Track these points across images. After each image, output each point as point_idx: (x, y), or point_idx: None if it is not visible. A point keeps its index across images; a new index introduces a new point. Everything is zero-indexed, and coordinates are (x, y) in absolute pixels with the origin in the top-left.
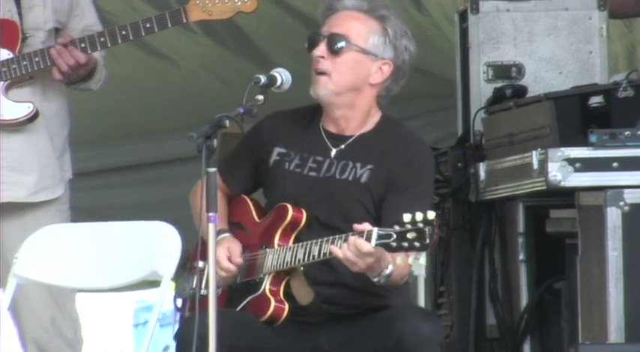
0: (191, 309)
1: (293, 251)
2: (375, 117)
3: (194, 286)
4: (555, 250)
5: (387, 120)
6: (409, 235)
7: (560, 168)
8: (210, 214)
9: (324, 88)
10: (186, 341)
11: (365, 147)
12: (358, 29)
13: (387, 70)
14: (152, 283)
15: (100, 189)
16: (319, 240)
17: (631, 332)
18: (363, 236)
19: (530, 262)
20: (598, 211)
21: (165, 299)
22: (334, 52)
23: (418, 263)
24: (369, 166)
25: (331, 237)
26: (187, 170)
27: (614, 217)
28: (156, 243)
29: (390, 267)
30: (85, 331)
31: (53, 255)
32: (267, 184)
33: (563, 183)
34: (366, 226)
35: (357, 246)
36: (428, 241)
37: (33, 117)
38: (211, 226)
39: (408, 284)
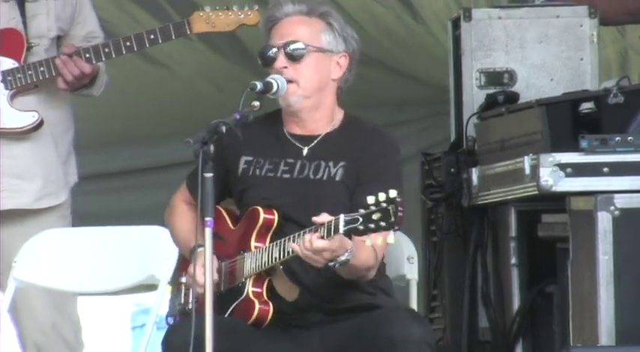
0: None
1: (269, 251)
2: (339, 115)
3: (182, 302)
4: (547, 254)
5: (351, 118)
6: (374, 216)
7: (551, 173)
8: (207, 219)
9: (294, 96)
10: (171, 348)
11: (334, 145)
12: (308, 31)
13: (344, 61)
14: (149, 287)
15: (97, 194)
16: (292, 235)
17: (621, 335)
18: (330, 228)
19: (522, 266)
20: (589, 216)
21: (162, 303)
22: (295, 59)
23: (388, 241)
24: (342, 163)
25: (301, 232)
26: (183, 175)
27: (604, 222)
28: (153, 248)
29: (347, 255)
30: (84, 334)
31: (52, 259)
32: (238, 193)
33: (554, 188)
34: (325, 217)
35: (309, 245)
36: (393, 219)
37: (38, 126)
38: (207, 230)
39: (391, 283)
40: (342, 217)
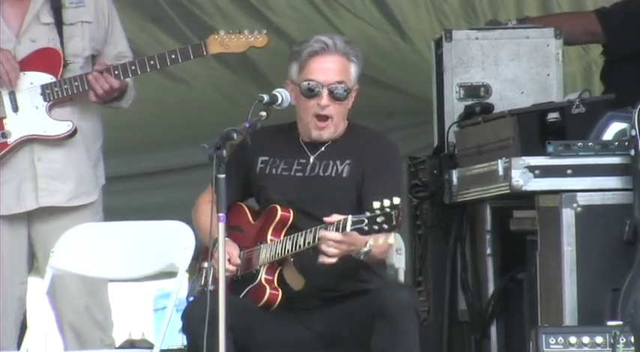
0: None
1: (282, 243)
2: (344, 124)
3: (202, 284)
4: (518, 245)
5: (355, 125)
6: (378, 219)
7: (521, 174)
8: (220, 214)
9: (327, 132)
10: (190, 320)
11: (341, 147)
12: (347, 72)
13: (355, 93)
14: (170, 274)
15: (123, 193)
16: (304, 231)
17: (583, 316)
18: (338, 227)
19: (496, 256)
20: (555, 212)
21: (180, 288)
22: (337, 100)
23: (389, 242)
24: (348, 161)
25: (313, 228)
26: (200, 176)
27: (568, 217)
28: (173, 240)
29: (368, 246)
30: (114, 315)
31: (84, 250)
32: (257, 190)
33: (524, 188)
34: (334, 217)
35: (327, 237)
36: (394, 223)
37: (72, 134)
38: (221, 225)
39: (386, 271)
40: (349, 218)
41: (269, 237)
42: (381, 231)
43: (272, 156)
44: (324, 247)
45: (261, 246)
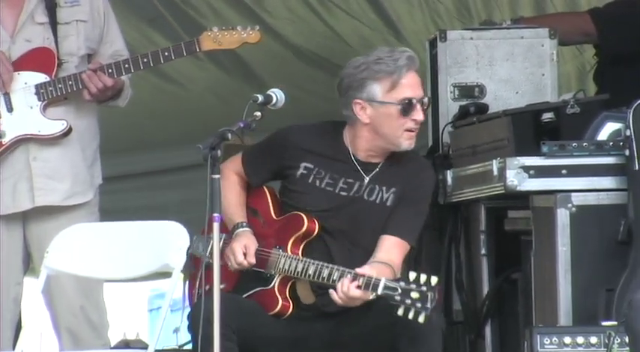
0: (193, 275)
1: (305, 264)
2: None
3: (205, 251)
4: (512, 246)
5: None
6: (413, 295)
7: (516, 174)
8: (215, 215)
9: (414, 142)
10: (196, 321)
11: (389, 172)
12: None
13: None
14: (164, 274)
15: (118, 193)
16: (331, 265)
17: (578, 316)
18: (368, 284)
19: (491, 256)
20: (549, 212)
21: (175, 288)
22: (425, 112)
23: (418, 322)
24: (393, 190)
25: (341, 269)
26: (194, 176)
27: (563, 217)
28: (168, 240)
29: (373, 295)
30: (109, 315)
31: (80, 250)
32: (291, 192)
33: (519, 188)
34: (366, 270)
35: (346, 290)
36: (429, 305)
37: (67, 133)
38: (215, 225)
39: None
40: (382, 281)
41: (289, 246)
42: (411, 308)
43: (317, 166)
44: (335, 296)
45: (281, 253)
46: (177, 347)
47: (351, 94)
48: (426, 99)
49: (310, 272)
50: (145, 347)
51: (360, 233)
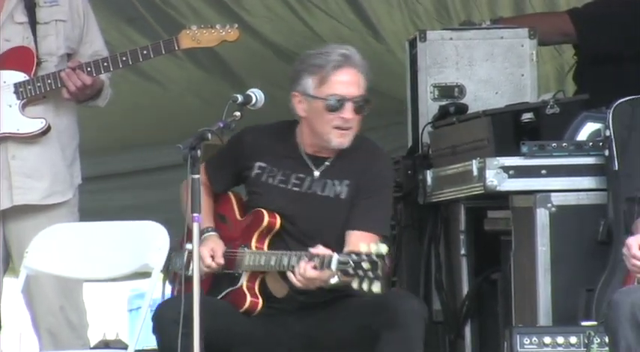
0: (179, 290)
1: (267, 257)
2: None
3: (184, 263)
4: (492, 246)
5: (358, 136)
6: (364, 265)
7: (496, 174)
8: (194, 215)
9: (348, 139)
10: (160, 322)
11: (341, 165)
12: (363, 84)
13: None
14: (144, 274)
15: (98, 193)
16: (289, 253)
17: (557, 316)
18: (322, 262)
19: (470, 256)
20: (529, 212)
21: (155, 288)
22: (360, 112)
23: (372, 291)
24: (347, 182)
25: (297, 253)
26: (174, 176)
27: (542, 217)
28: (147, 240)
29: (335, 278)
30: (88, 315)
31: (59, 250)
32: (249, 192)
33: (498, 188)
34: (320, 249)
35: (303, 272)
36: (380, 273)
37: (45, 131)
38: (195, 225)
39: None
40: (335, 256)
41: (254, 242)
42: (365, 278)
43: (270, 165)
44: (294, 279)
45: (246, 251)
46: (157, 348)
47: (291, 87)
48: (360, 99)
49: (272, 263)
50: (125, 347)
51: (317, 228)
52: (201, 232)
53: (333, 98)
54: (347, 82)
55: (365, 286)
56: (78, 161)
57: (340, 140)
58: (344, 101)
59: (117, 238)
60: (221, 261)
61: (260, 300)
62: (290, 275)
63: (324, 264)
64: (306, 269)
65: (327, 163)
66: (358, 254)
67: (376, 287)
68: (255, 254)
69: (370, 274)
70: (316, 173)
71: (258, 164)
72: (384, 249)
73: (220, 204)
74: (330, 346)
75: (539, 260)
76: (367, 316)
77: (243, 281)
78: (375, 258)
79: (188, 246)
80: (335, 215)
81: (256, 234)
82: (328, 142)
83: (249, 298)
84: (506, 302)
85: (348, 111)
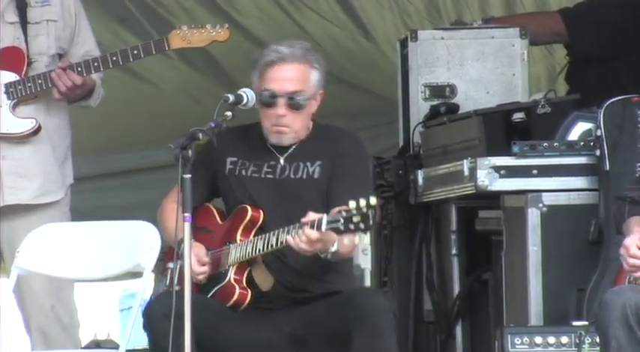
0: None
1: (253, 243)
2: (308, 126)
3: (167, 284)
4: (483, 245)
5: (320, 125)
6: (354, 219)
7: (487, 174)
8: (186, 215)
9: (287, 139)
10: (151, 318)
11: (309, 148)
12: (305, 80)
13: (320, 97)
14: (136, 274)
15: (90, 193)
16: (276, 230)
17: (548, 316)
18: (313, 225)
19: (462, 256)
20: (520, 212)
21: (146, 288)
22: (295, 109)
23: (363, 241)
24: (318, 162)
25: (286, 228)
26: (166, 176)
27: (534, 217)
28: (139, 240)
29: (335, 245)
30: (79, 315)
31: (51, 250)
32: (226, 191)
33: (490, 188)
34: (311, 216)
35: (307, 236)
36: (371, 222)
37: (36, 131)
38: (187, 225)
39: (353, 273)
40: (324, 217)
41: (238, 237)
42: (357, 230)
43: (241, 158)
44: (295, 244)
45: (231, 245)
46: (148, 348)
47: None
48: (296, 99)
49: (260, 246)
50: (116, 347)
51: (295, 211)
52: (178, 245)
53: (265, 94)
54: (279, 78)
55: (357, 239)
56: (70, 161)
57: (276, 136)
58: (276, 97)
59: (108, 238)
60: (206, 259)
61: (249, 292)
62: (290, 239)
63: (314, 227)
64: (308, 233)
65: (290, 151)
66: (347, 210)
67: (356, 239)
68: (241, 245)
69: (361, 226)
70: (281, 160)
71: (229, 160)
72: (373, 200)
73: (199, 219)
74: (315, 344)
75: (531, 260)
76: (338, 313)
77: (231, 275)
78: (365, 209)
79: (169, 265)
80: (311, 195)
81: (240, 228)
82: (269, 139)
83: (237, 290)
84: (497, 302)
85: (280, 108)
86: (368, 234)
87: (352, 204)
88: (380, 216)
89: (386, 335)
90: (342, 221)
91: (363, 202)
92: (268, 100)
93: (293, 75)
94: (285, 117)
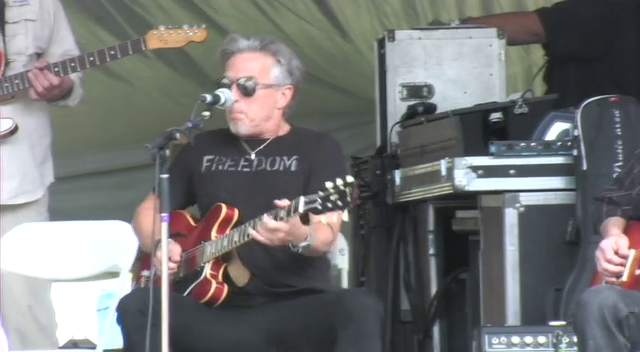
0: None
1: (229, 236)
2: (285, 127)
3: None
4: (460, 245)
5: (297, 127)
6: (332, 197)
7: (464, 174)
8: (163, 214)
9: (242, 126)
10: (125, 312)
11: (284, 145)
12: (260, 68)
13: (289, 93)
14: (113, 274)
15: (66, 193)
16: (252, 220)
17: (525, 316)
18: (289, 209)
19: (439, 256)
20: (497, 212)
21: (123, 288)
22: (246, 94)
23: (343, 220)
24: (295, 157)
25: (261, 216)
26: (143, 176)
27: (511, 217)
28: (116, 240)
29: (309, 239)
30: (57, 316)
31: (28, 250)
32: (202, 190)
33: (467, 188)
34: (285, 201)
35: (264, 225)
36: (349, 199)
37: (13, 131)
38: (164, 225)
39: (330, 271)
40: (301, 198)
41: (213, 234)
42: (335, 208)
43: (217, 155)
44: (257, 234)
45: (205, 243)
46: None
47: None
48: (243, 80)
49: (236, 238)
50: (93, 347)
51: (273, 204)
52: (154, 246)
53: (222, 82)
54: (235, 66)
55: (335, 218)
56: (50, 160)
57: (233, 124)
58: (229, 84)
59: (85, 238)
60: (178, 257)
61: (225, 287)
62: (252, 232)
63: (291, 210)
64: (266, 222)
65: (264, 145)
66: (324, 189)
67: (345, 216)
68: (216, 241)
69: (339, 203)
70: (253, 154)
71: (205, 158)
72: (350, 178)
73: (173, 226)
74: (293, 342)
75: (508, 260)
76: (324, 313)
77: (207, 271)
78: (342, 187)
79: (145, 273)
80: (288, 187)
81: (215, 226)
82: (230, 128)
83: (214, 284)
84: (474, 302)
85: (233, 94)
86: (343, 238)
87: (329, 184)
88: (358, 193)
89: (372, 338)
90: (319, 200)
91: (339, 181)
92: (222, 87)
93: (246, 63)
94: (238, 103)
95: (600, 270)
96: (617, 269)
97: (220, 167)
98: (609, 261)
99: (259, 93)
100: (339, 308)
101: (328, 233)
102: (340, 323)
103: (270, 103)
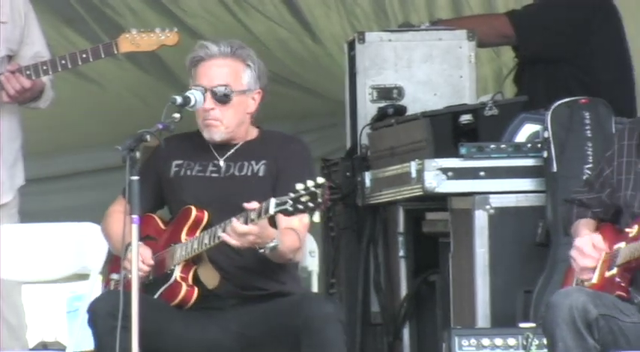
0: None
1: (199, 238)
2: (254, 131)
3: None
4: (430, 247)
5: (266, 131)
6: (303, 199)
7: (434, 176)
8: (134, 216)
9: (217, 133)
10: (95, 314)
11: (253, 149)
12: (233, 75)
13: (258, 97)
14: (83, 276)
15: (37, 195)
16: (223, 222)
17: (495, 318)
18: (260, 211)
19: (409, 258)
20: (467, 214)
21: (93, 290)
22: (222, 101)
23: (314, 221)
24: (263, 161)
25: (233, 218)
26: (113, 178)
27: (481, 219)
28: (86, 242)
29: (275, 241)
30: (27, 317)
31: None
32: (171, 194)
33: (437, 190)
34: (255, 203)
35: (233, 229)
36: (320, 200)
37: None
38: (134, 227)
39: (298, 273)
40: (272, 200)
41: (183, 237)
42: (306, 210)
43: (186, 160)
44: (227, 238)
45: (175, 245)
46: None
47: None
48: (220, 92)
49: (206, 241)
50: (63, 349)
51: (241, 209)
52: (125, 250)
53: (195, 89)
54: (208, 74)
55: (306, 220)
56: (21, 162)
57: (207, 130)
58: (204, 91)
59: (55, 240)
60: (151, 261)
61: (195, 289)
62: (223, 234)
63: (261, 212)
64: (235, 226)
65: (232, 151)
66: (295, 191)
67: (317, 217)
68: (186, 244)
69: (310, 205)
70: (221, 161)
71: (174, 163)
72: (321, 179)
73: (143, 228)
74: (263, 345)
75: (478, 262)
76: (288, 318)
77: (177, 274)
78: (313, 188)
79: (114, 276)
80: (256, 191)
81: (185, 228)
82: (203, 135)
83: (184, 287)
84: (444, 304)
85: (207, 102)
86: (312, 238)
87: (300, 185)
88: (328, 195)
89: (335, 347)
90: (290, 202)
91: (310, 183)
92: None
93: (219, 70)
94: (213, 111)
95: (577, 269)
96: (595, 264)
97: (189, 172)
98: (589, 256)
99: (234, 100)
100: (299, 317)
101: (294, 238)
102: (301, 332)
103: (243, 109)
